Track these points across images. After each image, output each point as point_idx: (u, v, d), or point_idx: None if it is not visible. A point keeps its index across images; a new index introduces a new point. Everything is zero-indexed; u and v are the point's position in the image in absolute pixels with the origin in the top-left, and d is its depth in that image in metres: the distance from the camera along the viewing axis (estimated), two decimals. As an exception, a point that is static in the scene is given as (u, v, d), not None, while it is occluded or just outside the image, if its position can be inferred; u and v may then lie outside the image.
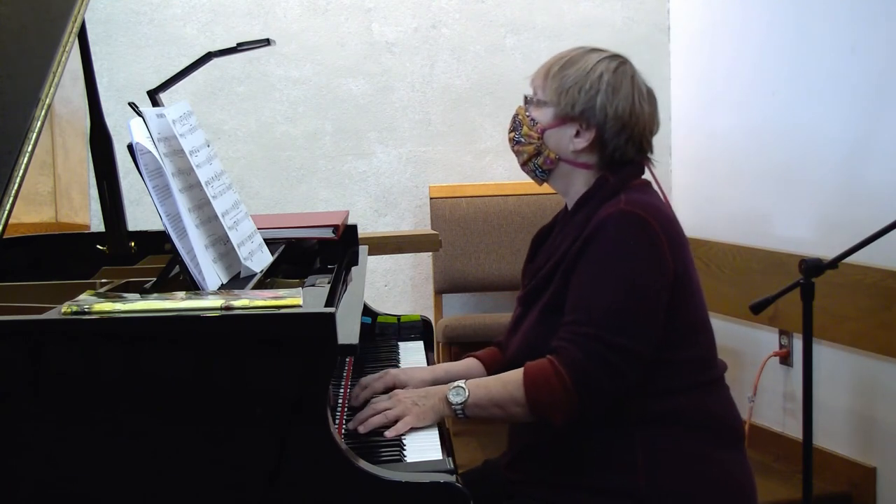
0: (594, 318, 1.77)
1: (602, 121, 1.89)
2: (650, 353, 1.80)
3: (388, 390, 1.93)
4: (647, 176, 1.96)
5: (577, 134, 1.91)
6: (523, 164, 1.98)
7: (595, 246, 1.81)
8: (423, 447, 1.70)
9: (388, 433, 1.73)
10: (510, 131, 1.99)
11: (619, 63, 1.92)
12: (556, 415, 1.77)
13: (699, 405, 1.86)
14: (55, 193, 3.49)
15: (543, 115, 1.93)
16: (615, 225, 1.80)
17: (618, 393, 1.78)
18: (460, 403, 1.80)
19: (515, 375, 1.80)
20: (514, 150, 1.99)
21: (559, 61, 1.93)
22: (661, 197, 1.94)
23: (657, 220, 1.82)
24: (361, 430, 1.74)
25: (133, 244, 2.22)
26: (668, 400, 1.84)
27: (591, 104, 1.88)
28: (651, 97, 1.95)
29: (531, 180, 2.01)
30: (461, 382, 1.83)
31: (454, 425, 3.98)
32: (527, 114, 1.96)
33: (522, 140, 1.96)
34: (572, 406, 1.75)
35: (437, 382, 1.99)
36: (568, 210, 1.99)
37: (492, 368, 2.06)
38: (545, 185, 2.01)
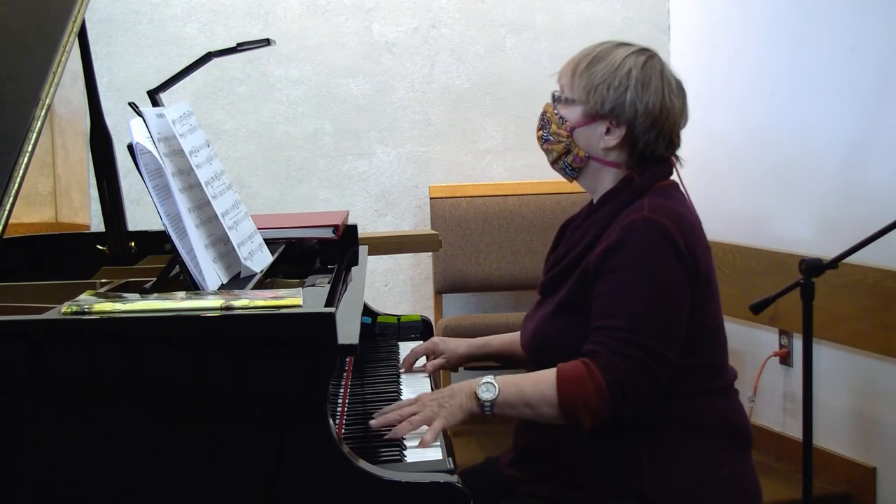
0: (627, 322, 1.75)
1: (632, 117, 1.86)
2: (676, 358, 1.79)
3: (428, 353, 2.17)
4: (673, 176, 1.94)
5: (608, 132, 1.88)
6: (553, 163, 1.95)
7: (619, 255, 1.79)
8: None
9: (423, 440, 1.68)
10: (538, 129, 1.95)
11: (648, 57, 1.89)
12: (586, 417, 1.74)
13: (708, 410, 1.85)
14: (55, 193, 3.49)
15: (572, 114, 1.90)
16: (638, 233, 1.79)
17: (652, 396, 1.76)
18: (489, 401, 1.76)
19: (548, 376, 1.77)
20: (543, 149, 1.96)
21: (586, 57, 1.90)
22: (686, 199, 1.92)
23: (679, 228, 1.80)
24: (390, 434, 1.69)
25: (133, 244, 2.22)
26: (676, 404, 1.83)
27: (620, 101, 1.85)
28: (680, 90, 1.92)
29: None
30: (490, 378, 1.78)
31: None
32: (555, 112, 1.92)
33: (551, 138, 1.93)
34: (604, 409, 1.73)
35: (472, 355, 2.17)
36: (593, 204, 1.97)
37: None
38: (574, 182, 1.99)
